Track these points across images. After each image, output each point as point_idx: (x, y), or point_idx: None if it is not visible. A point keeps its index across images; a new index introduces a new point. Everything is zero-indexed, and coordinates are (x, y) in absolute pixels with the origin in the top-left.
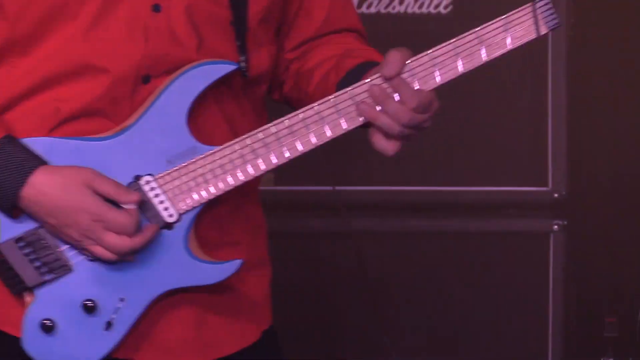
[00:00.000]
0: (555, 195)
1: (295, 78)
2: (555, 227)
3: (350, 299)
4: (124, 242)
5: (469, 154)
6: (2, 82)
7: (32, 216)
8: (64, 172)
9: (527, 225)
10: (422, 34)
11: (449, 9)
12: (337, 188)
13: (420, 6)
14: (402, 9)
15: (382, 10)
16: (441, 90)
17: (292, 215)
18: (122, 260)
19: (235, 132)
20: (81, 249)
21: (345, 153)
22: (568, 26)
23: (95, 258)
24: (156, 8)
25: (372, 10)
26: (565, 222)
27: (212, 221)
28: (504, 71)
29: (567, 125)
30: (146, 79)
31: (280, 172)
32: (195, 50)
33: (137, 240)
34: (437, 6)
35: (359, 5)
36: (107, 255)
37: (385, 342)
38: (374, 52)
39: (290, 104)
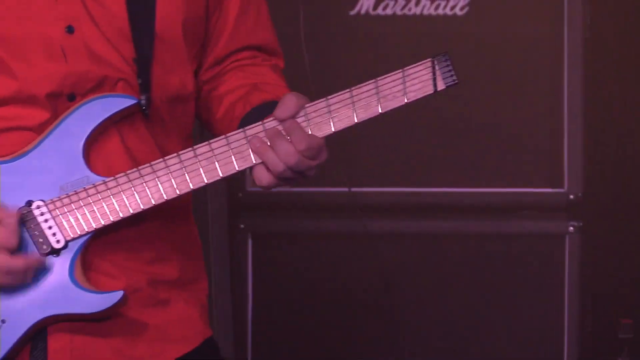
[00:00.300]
0: (571, 196)
1: (207, 100)
2: (571, 228)
3: (367, 301)
4: (3, 259)
5: (485, 155)
6: None
7: None
8: None
9: (543, 227)
10: (438, 35)
11: (465, 11)
12: (353, 189)
13: (436, 8)
14: (417, 10)
15: (398, 12)
16: (457, 93)
17: (308, 216)
18: (3, 283)
19: (165, 152)
20: None
21: (362, 154)
22: (584, 27)
23: None
24: (69, 29)
25: (388, 12)
26: (581, 224)
27: (143, 237)
28: (520, 73)
29: (582, 127)
30: (71, 97)
31: None
32: (118, 66)
33: (18, 262)
34: (453, 8)
35: (375, 7)
36: None
37: (403, 349)
38: (284, 89)
39: (200, 120)
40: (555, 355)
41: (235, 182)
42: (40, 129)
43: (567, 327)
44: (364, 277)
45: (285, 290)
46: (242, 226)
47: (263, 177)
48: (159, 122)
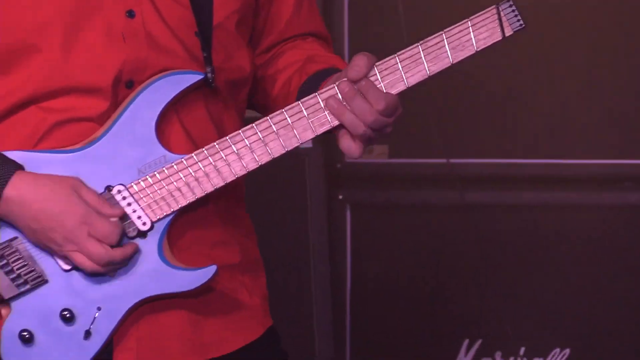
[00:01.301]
0: None
1: (260, 82)
2: None
3: (465, 272)
4: (104, 251)
5: (585, 126)
6: None
7: (10, 222)
8: (51, 176)
9: None
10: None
11: None
12: (452, 160)
13: None
14: None
15: None
16: (557, 65)
17: (406, 187)
18: (100, 272)
19: (222, 134)
20: (62, 256)
21: (460, 125)
22: None
23: (73, 267)
24: (130, 14)
25: None
26: None
27: (206, 222)
28: (620, 45)
29: None
30: (129, 84)
31: (394, 145)
32: (177, 54)
33: (117, 253)
34: None
35: None
36: (87, 263)
37: (507, 330)
38: (338, 59)
39: (256, 109)
40: None
41: (334, 152)
42: (100, 119)
43: None
44: (462, 248)
45: (383, 260)
46: (340, 197)
47: (352, 147)
48: (220, 103)
